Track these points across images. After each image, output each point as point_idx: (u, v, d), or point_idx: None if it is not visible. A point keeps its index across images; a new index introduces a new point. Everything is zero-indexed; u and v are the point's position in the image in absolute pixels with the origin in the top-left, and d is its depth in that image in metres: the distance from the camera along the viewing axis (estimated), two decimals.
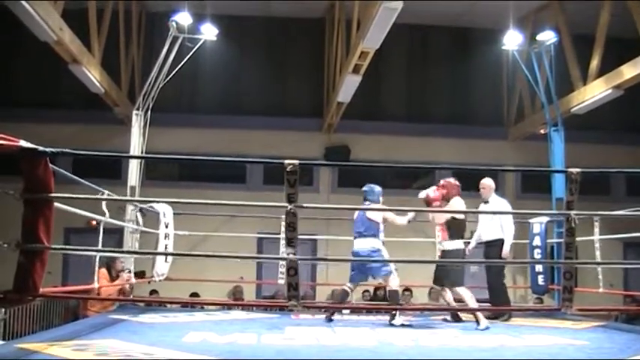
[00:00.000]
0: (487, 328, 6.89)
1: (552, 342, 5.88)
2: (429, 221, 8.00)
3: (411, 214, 7.86)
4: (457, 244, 7.38)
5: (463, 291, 7.29)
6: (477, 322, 7.02)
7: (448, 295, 7.50)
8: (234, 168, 14.90)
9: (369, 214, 7.61)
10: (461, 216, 7.50)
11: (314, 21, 14.84)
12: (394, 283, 7.56)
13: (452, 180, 7.64)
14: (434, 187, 7.69)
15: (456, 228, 7.42)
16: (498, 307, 8.11)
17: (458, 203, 7.47)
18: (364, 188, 7.89)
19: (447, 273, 7.37)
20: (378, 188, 7.84)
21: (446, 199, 7.53)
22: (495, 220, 8.02)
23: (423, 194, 7.72)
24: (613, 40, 11.82)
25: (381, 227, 7.68)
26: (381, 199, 7.87)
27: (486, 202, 8.23)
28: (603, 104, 12.02)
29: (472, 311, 7.29)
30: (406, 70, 15.56)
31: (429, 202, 7.57)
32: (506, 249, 7.99)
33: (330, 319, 7.60)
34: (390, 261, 7.61)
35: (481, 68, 15.04)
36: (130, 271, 8.96)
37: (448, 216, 7.40)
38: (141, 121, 10.92)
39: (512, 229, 8.12)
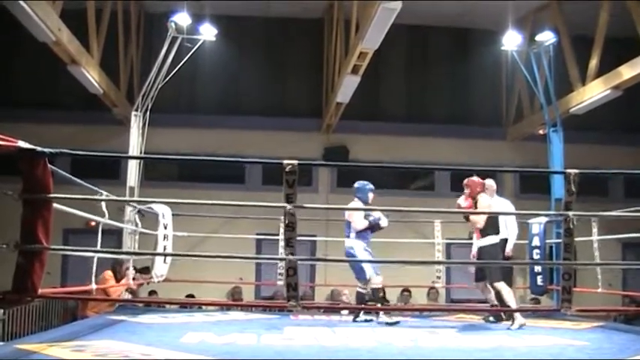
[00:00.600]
0: (521, 326, 6.97)
1: (552, 342, 5.88)
2: (468, 224, 7.91)
3: (384, 221, 7.88)
4: (491, 240, 7.47)
5: (502, 286, 7.33)
6: (512, 321, 7.11)
7: (491, 293, 7.60)
8: (232, 168, 14.90)
9: (346, 215, 7.79)
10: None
11: (313, 21, 14.84)
12: (375, 281, 7.57)
13: (475, 178, 7.68)
14: (461, 198, 7.67)
15: (488, 224, 7.49)
16: (499, 307, 8.11)
17: (484, 200, 7.61)
18: (356, 185, 7.98)
19: (488, 270, 7.44)
20: (369, 185, 7.92)
21: (472, 197, 7.60)
22: (500, 219, 7.98)
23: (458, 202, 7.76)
24: (612, 40, 11.82)
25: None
26: (370, 195, 7.90)
27: None
28: (602, 105, 12.02)
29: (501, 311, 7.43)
30: (405, 70, 15.56)
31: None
32: (509, 248, 8.01)
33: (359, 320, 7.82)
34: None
35: (480, 69, 15.04)
36: (134, 268, 9.00)
37: (484, 218, 7.47)
38: (140, 122, 10.91)
39: (516, 229, 8.15)
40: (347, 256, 7.76)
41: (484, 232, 7.49)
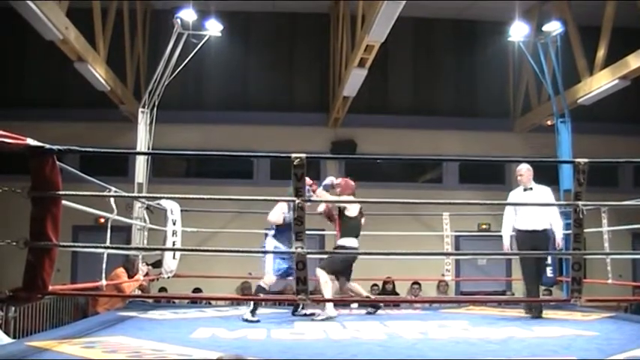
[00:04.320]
0: (329, 318, 7.20)
1: (562, 333, 5.87)
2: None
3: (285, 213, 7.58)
4: (348, 242, 7.62)
5: (320, 273, 7.50)
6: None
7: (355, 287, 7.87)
8: (240, 164, 14.91)
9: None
10: (354, 214, 7.69)
11: (319, 16, 14.82)
12: (264, 279, 7.41)
13: (349, 180, 7.88)
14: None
15: (348, 227, 7.66)
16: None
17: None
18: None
19: (330, 263, 7.62)
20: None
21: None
22: (546, 209, 7.55)
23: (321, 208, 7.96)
24: (619, 30, 11.76)
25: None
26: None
27: (528, 189, 7.69)
28: (610, 95, 11.97)
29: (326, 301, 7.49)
30: (412, 63, 15.52)
31: (326, 211, 7.90)
32: (559, 238, 7.50)
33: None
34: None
35: (487, 60, 15.00)
36: (147, 264, 9.05)
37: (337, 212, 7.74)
38: (147, 119, 10.93)
39: (560, 220, 7.62)
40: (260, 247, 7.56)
41: (342, 233, 7.69)
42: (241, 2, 14.14)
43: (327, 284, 7.48)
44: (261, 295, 7.34)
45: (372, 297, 8.07)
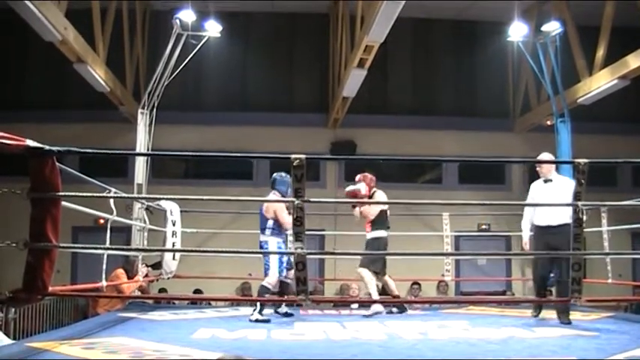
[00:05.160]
0: (376, 313, 7.49)
1: (562, 333, 5.87)
2: (355, 216, 8.18)
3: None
4: (381, 233, 7.84)
5: (364, 272, 7.72)
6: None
7: (389, 282, 8.05)
8: (240, 165, 14.90)
9: (263, 209, 7.51)
10: (385, 207, 7.97)
11: (318, 16, 14.81)
12: (267, 279, 7.35)
13: (367, 174, 8.02)
14: (362, 184, 7.98)
15: (379, 219, 7.87)
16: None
17: (381, 195, 7.92)
18: (274, 176, 7.70)
19: (372, 260, 7.80)
20: (288, 177, 7.30)
21: (369, 194, 7.95)
22: (566, 201, 6.55)
23: (350, 188, 8.08)
24: (618, 29, 11.76)
25: (270, 223, 7.41)
26: (290, 190, 7.27)
27: (548, 180, 7.23)
28: (609, 95, 11.97)
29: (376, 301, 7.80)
30: (411, 63, 15.52)
31: (356, 197, 7.92)
32: None
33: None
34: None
35: (486, 60, 14.99)
36: (146, 265, 9.05)
37: (378, 210, 7.87)
38: (146, 120, 10.93)
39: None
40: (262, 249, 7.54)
41: (374, 226, 7.85)
42: (240, 3, 14.14)
43: (372, 281, 7.68)
44: (266, 296, 7.32)
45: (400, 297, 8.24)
